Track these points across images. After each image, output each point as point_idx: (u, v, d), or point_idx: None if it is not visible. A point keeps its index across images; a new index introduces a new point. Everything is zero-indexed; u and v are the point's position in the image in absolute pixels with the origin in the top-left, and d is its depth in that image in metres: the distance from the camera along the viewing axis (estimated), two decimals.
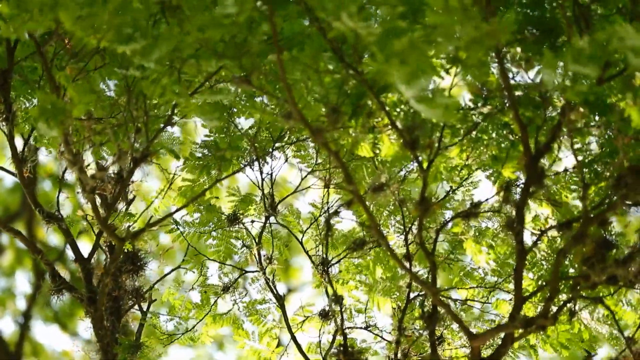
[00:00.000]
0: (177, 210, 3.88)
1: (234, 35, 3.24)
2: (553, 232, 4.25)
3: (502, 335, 3.93)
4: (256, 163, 4.48)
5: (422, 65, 2.71)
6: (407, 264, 4.32)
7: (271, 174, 4.52)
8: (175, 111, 3.61)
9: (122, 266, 4.75)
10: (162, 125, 3.68)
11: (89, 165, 4.20)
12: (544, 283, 4.20)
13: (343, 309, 4.56)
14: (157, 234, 4.80)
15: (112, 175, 4.42)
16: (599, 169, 3.86)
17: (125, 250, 4.63)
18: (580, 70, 2.71)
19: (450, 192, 4.39)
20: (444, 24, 2.69)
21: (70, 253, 4.48)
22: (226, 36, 3.14)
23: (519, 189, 4.06)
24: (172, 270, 4.90)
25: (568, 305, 4.07)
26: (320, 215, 4.61)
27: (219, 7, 2.96)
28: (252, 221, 4.70)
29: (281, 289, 4.78)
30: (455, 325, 4.43)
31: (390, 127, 3.66)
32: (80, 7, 2.93)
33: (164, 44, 2.90)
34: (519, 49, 3.64)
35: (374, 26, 2.97)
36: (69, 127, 3.28)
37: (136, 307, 4.75)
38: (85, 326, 4.73)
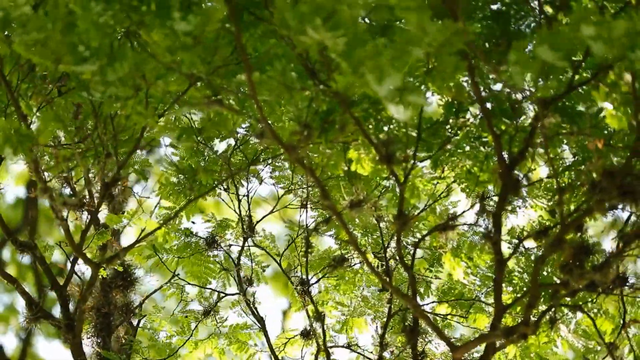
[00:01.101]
0: (149, 234, 3.87)
1: (202, 56, 3.23)
2: (530, 243, 4.26)
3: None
4: (233, 185, 4.47)
5: (394, 61, 2.70)
6: (387, 279, 4.32)
7: (248, 196, 4.51)
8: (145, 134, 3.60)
9: (113, 281, 4.74)
10: (137, 147, 3.65)
11: (77, 181, 4.16)
12: (524, 290, 4.20)
13: (325, 328, 4.55)
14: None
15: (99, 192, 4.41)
16: (573, 177, 3.88)
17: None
18: (549, 58, 2.71)
19: (427, 207, 4.38)
20: (413, 22, 2.69)
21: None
22: (194, 57, 3.13)
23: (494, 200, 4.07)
24: (152, 293, 4.88)
25: (549, 313, 4.06)
26: (297, 236, 4.61)
27: (182, 24, 2.94)
28: (230, 245, 4.69)
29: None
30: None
31: (360, 142, 3.66)
32: (30, 31, 2.90)
33: (122, 63, 2.86)
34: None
35: (341, 37, 2.96)
36: (37, 155, 3.26)
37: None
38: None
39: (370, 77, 2.72)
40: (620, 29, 2.66)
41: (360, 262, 4.61)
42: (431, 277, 4.59)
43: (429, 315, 4.47)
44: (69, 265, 4.42)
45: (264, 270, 4.81)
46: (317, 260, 4.64)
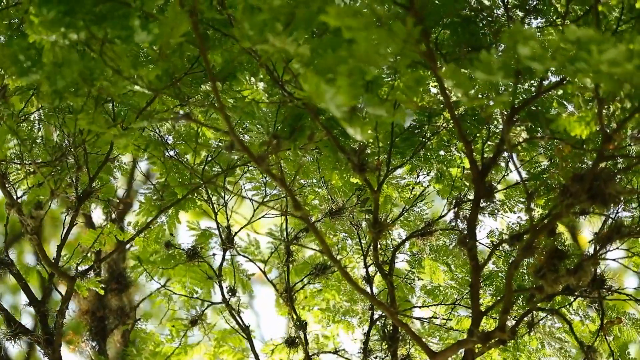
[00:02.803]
0: (125, 243, 3.87)
1: (169, 71, 3.23)
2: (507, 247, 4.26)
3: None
4: (208, 195, 4.47)
5: (353, 80, 2.68)
6: (367, 286, 4.32)
7: (225, 206, 4.52)
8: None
9: (108, 286, 4.75)
10: (107, 159, 3.66)
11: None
12: (500, 297, 4.19)
13: (310, 335, 4.56)
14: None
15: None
16: (545, 181, 3.88)
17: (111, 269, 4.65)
18: (492, 79, 2.70)
19: (404, 212, 4.39)
20: (362, 40, 2.67)
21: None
22: (157, 72, 3.13)
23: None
24: (142, 300, 4.90)
25: (526, 318, 4.06)
26: (280, 244, 4.61)
27: (143, 34, 2.92)
28: (214, 254, 4.70)
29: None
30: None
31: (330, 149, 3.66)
32: None
33: (66, 71, 2.84)
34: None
35: (302, 44, 2.94)
36: (2, 169, 3.26)
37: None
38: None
39: (327, 97, 2.70)
40: (554, 44, 2.65)
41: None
42: (413, 279, 4.58)
43: (411, 318, 4.48)
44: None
45: (249, 279, 4.82)
46: (300, 266, 4.65)
